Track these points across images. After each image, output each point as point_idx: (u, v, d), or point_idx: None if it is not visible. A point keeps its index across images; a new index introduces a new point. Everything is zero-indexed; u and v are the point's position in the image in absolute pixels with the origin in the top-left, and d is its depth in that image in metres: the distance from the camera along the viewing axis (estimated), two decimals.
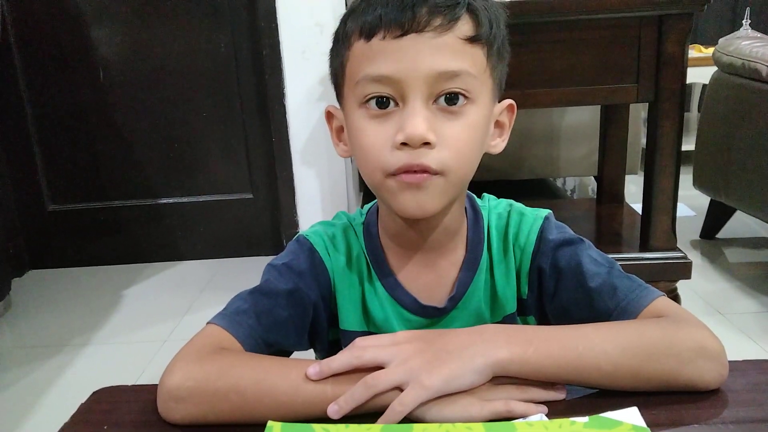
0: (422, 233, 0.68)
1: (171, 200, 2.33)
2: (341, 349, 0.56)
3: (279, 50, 2.06)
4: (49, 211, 2.34)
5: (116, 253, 2.36)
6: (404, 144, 0.58)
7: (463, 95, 0.59)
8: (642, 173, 1.61)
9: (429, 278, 0.69)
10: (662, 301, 0.61)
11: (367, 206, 0.73)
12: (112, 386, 0.60)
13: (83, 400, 0.58)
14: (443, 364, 0.51)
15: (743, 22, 2.80)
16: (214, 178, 2.32)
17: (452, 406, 0.51)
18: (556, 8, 1.41)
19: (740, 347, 1.56)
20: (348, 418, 0.51)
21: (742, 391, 0.55)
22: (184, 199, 2.33)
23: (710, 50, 2.20)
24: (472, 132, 0.61)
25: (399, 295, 0.69)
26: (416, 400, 0.50)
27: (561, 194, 2.70)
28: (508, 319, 0.70)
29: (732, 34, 2.18)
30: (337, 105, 0.68)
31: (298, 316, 0.66)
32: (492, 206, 0.73)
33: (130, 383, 0.61)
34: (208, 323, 0.61)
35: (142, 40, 2.19)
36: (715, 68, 2.04)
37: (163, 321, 1.87)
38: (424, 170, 0.58)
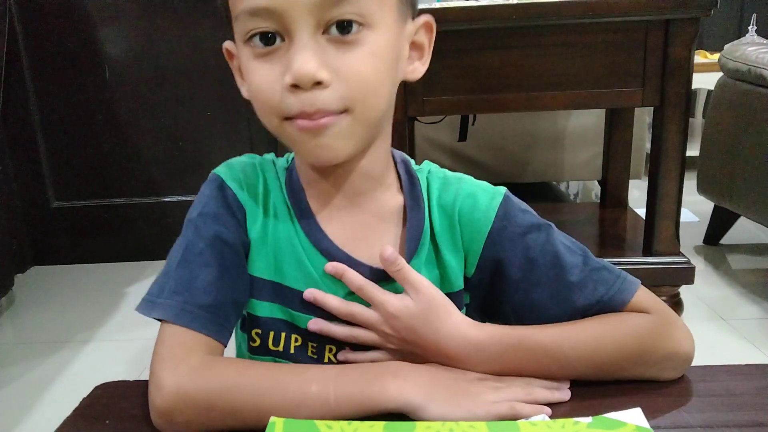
0: (337, 181, 0.60)
1: (175, 198, 2.34)
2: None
3: None
4: (54, 207, 2.35)
5: (120, 250, 2.36)
6: (295, 86, 0.51)
7: (357, 22, 0.51)
8: (646, 178, 1.60)
9: (356, 233, 0.61)
10: (643, 295, 0.59)
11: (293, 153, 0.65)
12: (114, 381, 0.61)
13: (85, 395, 0.59)
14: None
15: (749, 28, 2.80)
16: None
17: (457, 409, 0.51)
18: (562, 11, 1.41)
19: (743, 353, 1.56)
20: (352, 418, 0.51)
21: (746, 395, 0.55)
22: (188, 198, 2.33)
23: (716, 56, 2.20)
24: (374, 61, 0.52)
25: (326, 246, 0.60)
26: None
27: (564, 198, 2.70)
28: (454, 297, 0.61)
29: (738, 40, 2.17)
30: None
31: (229, 263, 0.59)
32: (431, 171, 0.65)
33: (132, 380, 0.61)
34: (161, 322, 0.56)
35: (147, 39, 2.20)
36: (720, 74, 2.03)
37: None
38: (320, 113, 0.51)
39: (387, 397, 0.51)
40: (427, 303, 0.56)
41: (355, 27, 0.51)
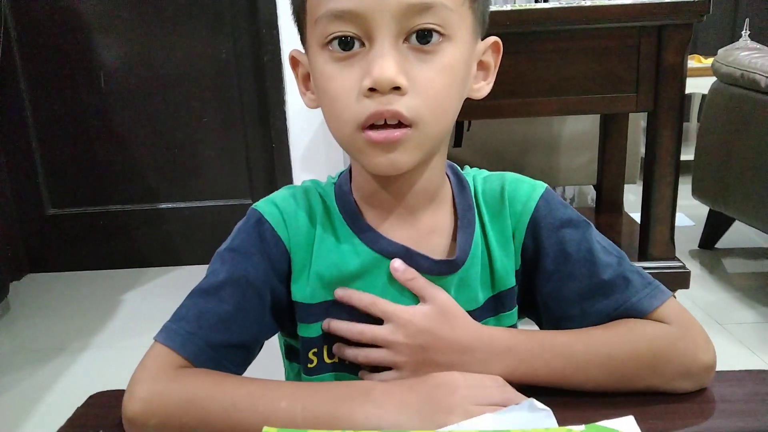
0: (398, 193, 0.60)
1: (171, 205, 2.34)
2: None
3: (280, 57, 2.07)
4: (49, 214, 2.35)
5: (115, 257, 2.36)
6: (372, 90, 0.51)
7: (438, 32, 0.52)
8: (641, 182, 1.61)
9: (411, 242, 0.61)
10: (671, 305, 0.59)
11: (338, 172, 0.66)
12: (108, 390, 0.61)
13: (80, 404, 0.59)
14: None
15: (742, 33, 2.81)
16: (214, 184, 2.32)
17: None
18: (556, 17, 1.42)
19: (739, 358, 1.56)
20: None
21: (739, 401, 0.55)
22: (184, 204, 2.34)
23: (710, 60, 2.21)
24: (449, 75, 0.53)
25: (384, 246, 0.60)
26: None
27: None
28: (506, 295, 0.63)
29: (731, 45, 2.19)
30: (302, 49, 0.61)
31: (248, 304, 0.58)
32: (476, 173, 0.67)
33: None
34: (154, 339, 0.57)
35: (143, 47, 2.20)
36: (714, 79, 2.04)
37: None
38: (395, 116, 0.52)
39: (354, 423, 0.49)
40: (441, 307, 0.57)
41: (435, 37, 0.52)
